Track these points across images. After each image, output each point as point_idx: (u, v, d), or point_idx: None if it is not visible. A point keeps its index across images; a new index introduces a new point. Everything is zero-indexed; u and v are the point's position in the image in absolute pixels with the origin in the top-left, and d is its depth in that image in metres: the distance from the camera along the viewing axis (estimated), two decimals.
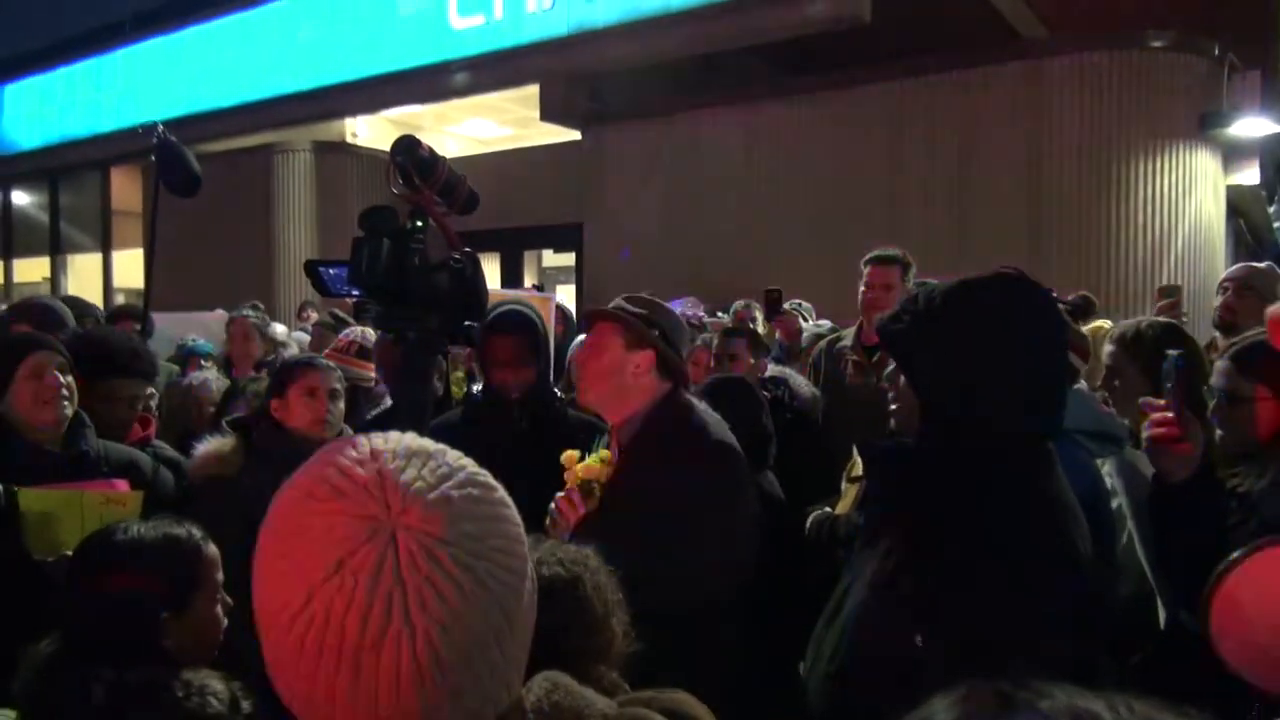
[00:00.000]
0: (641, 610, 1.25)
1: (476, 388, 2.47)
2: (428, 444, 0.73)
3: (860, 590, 1.43)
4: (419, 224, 1.38)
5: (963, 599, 1.26)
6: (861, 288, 3.45)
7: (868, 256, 3.48)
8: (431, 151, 1.42)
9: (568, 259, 10.38)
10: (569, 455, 2.02)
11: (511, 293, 3.80)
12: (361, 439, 0.73)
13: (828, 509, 2.59)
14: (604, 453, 2.03)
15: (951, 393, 1.34)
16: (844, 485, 2.63)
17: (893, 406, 1.50)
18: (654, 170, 8.64)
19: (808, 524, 2.58)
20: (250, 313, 4.74)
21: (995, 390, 1.33)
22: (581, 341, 2.64)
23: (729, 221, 8.16)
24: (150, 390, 2.59)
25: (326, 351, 3.37)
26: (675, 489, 1.81)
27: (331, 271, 1.56)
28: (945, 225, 7.12)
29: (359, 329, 3.56)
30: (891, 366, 1.49)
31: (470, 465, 0.73)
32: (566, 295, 9.37)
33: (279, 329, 5.22)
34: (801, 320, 4.77)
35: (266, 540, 0.69)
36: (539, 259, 11.38)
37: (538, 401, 2.36)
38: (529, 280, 10.22)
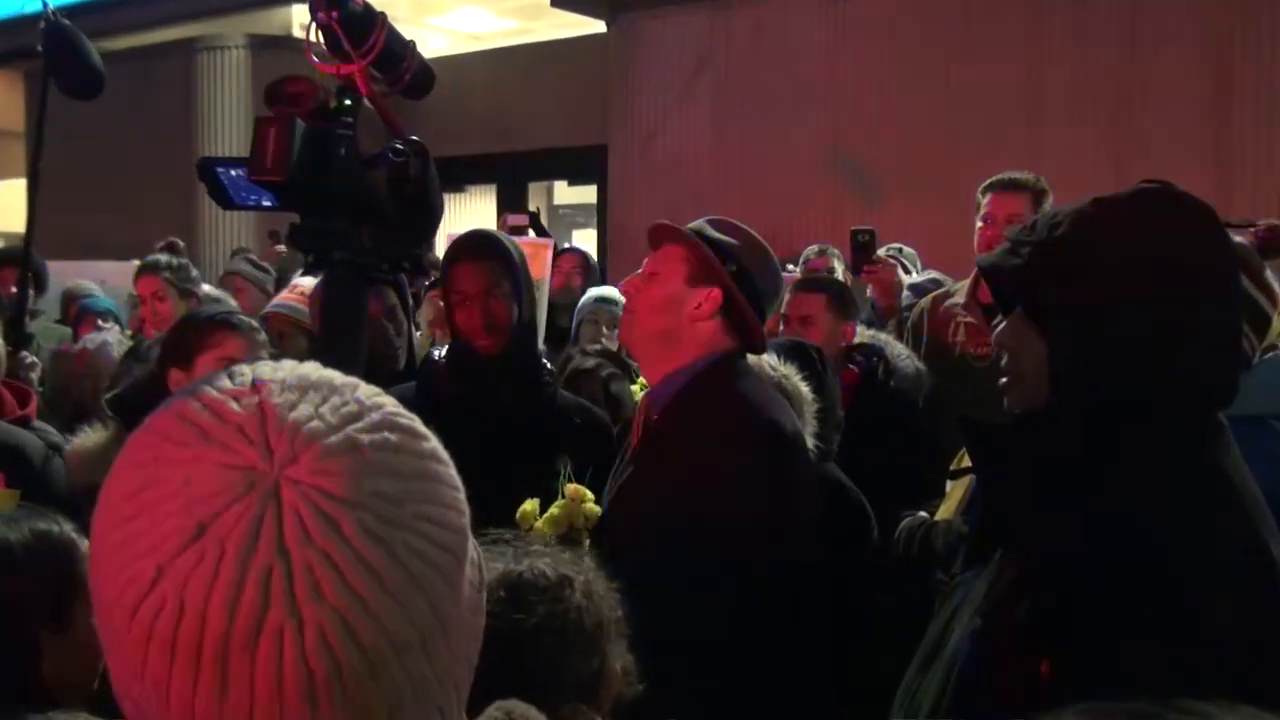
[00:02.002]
0: (654, 644, 1.26)
1: (439, 353, 2.49)
2: (333, 375, 0.73)
3: (967, 621, 1.43)
4: (347, 103, 1.37)
5: (1111, 631, 1.25)
6: (978, 224, 3.44)
7: (987, 182, 3.48)
8: (367, 6, 1.43)
9: (587, 193, 10.40)
10: (525, 510, 2.08)
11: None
12: (242, 366, 0.73)
13: (923, 514, 2.62)
14: (570, 488, 2.12)
15: (1090, 351, 1.34)
16: (949, 485, 2.64)
17: (1004, 379, 1.49)
18: (703, 74, 8.61)
19: (896, 534, 2.61)
20: (166, 259, 4.81)
21: (1150, 346, 1.33)
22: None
23: (804, 143, 8.12)
24: (26, 356, 2.63)
25: (285, 294, 3.45)
26: (700, 487, 1.86)
27: (234, 173, 1.55)
28: (1098, 146, 7.05)
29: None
30: (1002, 322, 1.48)
31: (391, 404, 0.73)
32: (590, 242, 9.39)
33: (209, 289, 5.31)
34: (901, 272, 4.72)
35: (107, 500, 0.69)
36: (549, 193, 11.42)
37: (522, 366, 2.38)
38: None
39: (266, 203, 1.47)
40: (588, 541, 2.05)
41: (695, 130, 8.62)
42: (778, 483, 1.91)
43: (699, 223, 2.14)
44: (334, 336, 1.38)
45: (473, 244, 2.43)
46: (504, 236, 2.54)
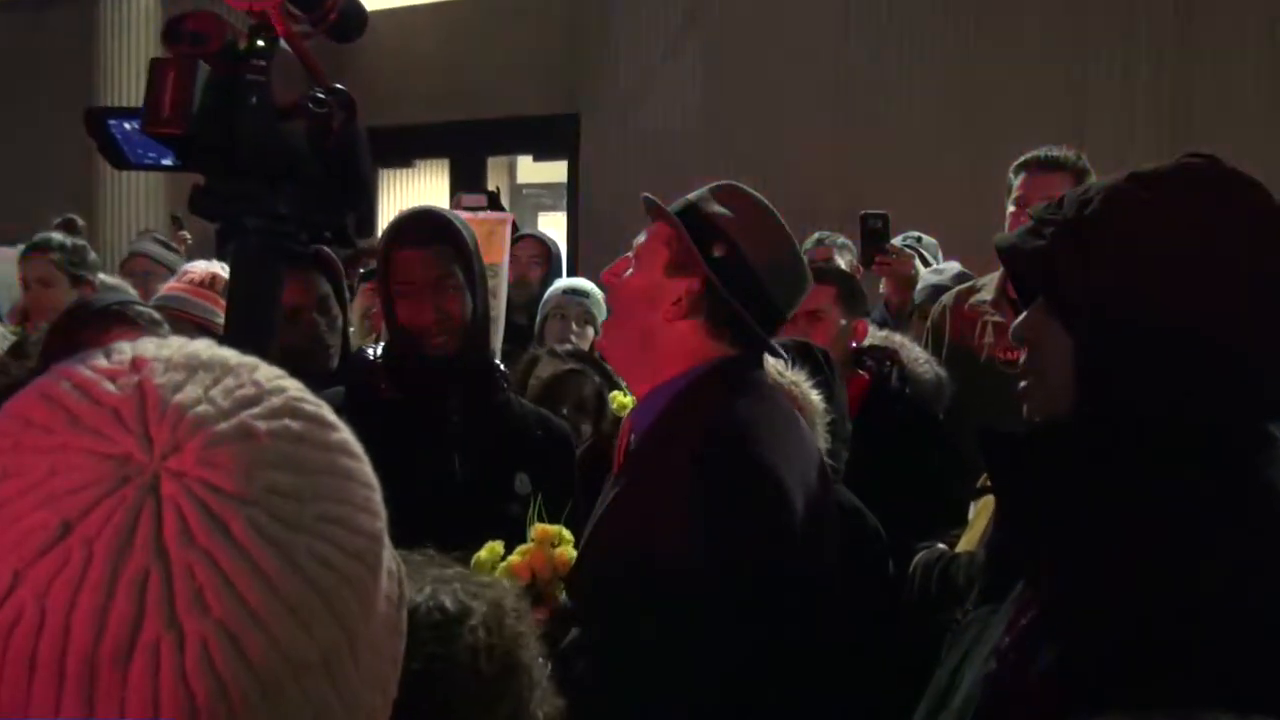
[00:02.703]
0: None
1: (373, 351, 2.48)
2: (227, 354, 0.75)
3: (980, 664, 1.44)
4: (260, 44, 1.38)
5: (1147, 681, 1.23)
6: (1009, 208, 3.48)
7: (1021, 159, 3.52)
8: None
9: (555, 170, 10.41)
10: (479, 560, 1.99)
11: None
12: (121, 343, 0.74)
13: (942, 546, 2.64)
14: (537, 528, 2.04)
15: (1123, 349, 1.35)
16: (971, 511, 2.67)
17: (1024, 383, 1.49)
18: (691, 31, 8.63)
19: (911, 569, 2.62)
20: (59, 238, 4.79)
21: (1194, 345, 1.33)
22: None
23: (809, 112, 8.14)
24: None
25: (172, 284, 3.47)
26: (643, 544, 1.78)
27: (128, 126, 1.54)
28: (1150, 114, 7.09)
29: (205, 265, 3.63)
30: (1025, 314, 1.48)
31: (295, 387, 0.75)
32: (558, 227, 9.40)
33: (106, 278, 5.29)
34: (919, 264, 4.74)
35: None
36: (511, 170, 11.44)
37: (474, 369, 2.41)
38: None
39: (166, 161, 1.46)
40: (562, 595, 1.97)
41: (682, 97, 8.59)
42: (750, 541, 1.79)
43: (701, 191, 2.03)
44: (243, 317, 1.40)
45: (420, 225, 2.41)
46: (455, 216, 2.53)
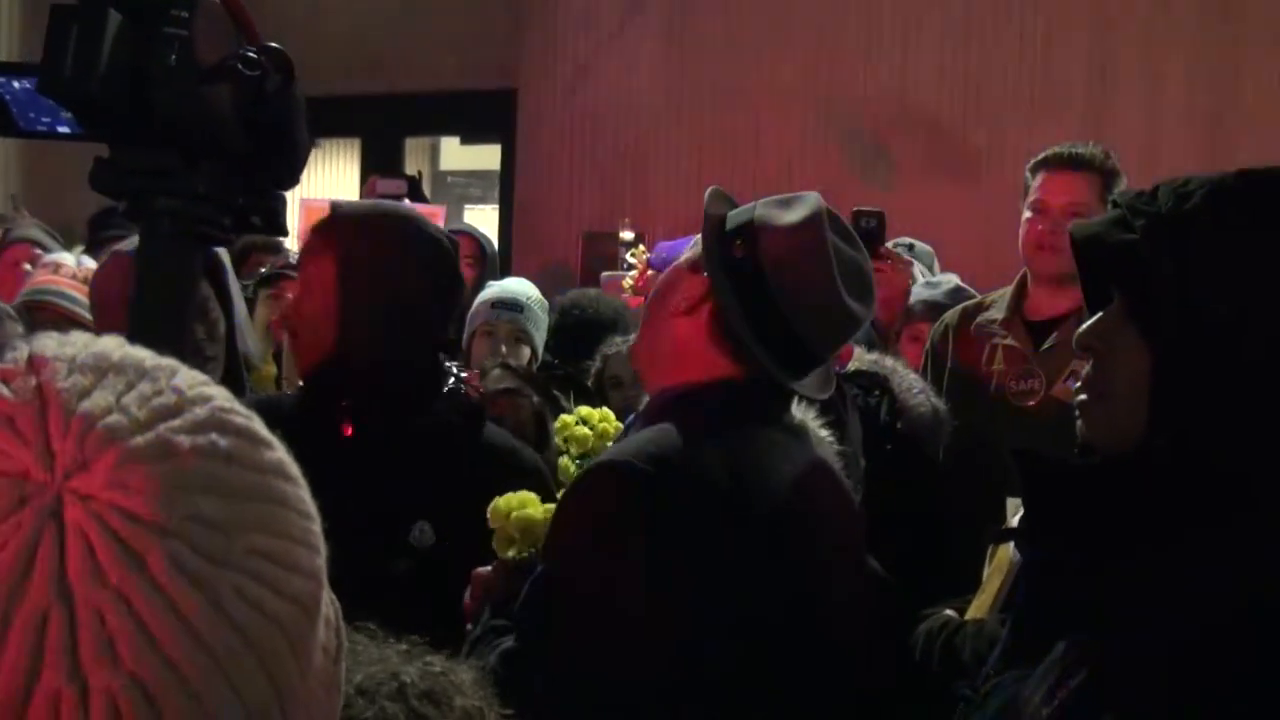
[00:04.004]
0: None
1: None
2: (141, 355, 0.75)
3: None
4: None
5: None
6: (1025, 215, 3.51)
7: (1039, 157, 3.55)
8: None
9: (487, 155, 10.40)
10: (496, 506, 2.12)
11: (367, 203, 3.87)
12: (17, 341, 0.74)
13: (950, 612, 2.63)
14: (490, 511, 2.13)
15: (1215, 370, 1.34)
16: (986, 569, 2.66)
17: (1082, 396, 1.49)
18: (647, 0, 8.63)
19: (913, 637, 2.63)
20: None
21: None
22: None
23: (785, 94, 8.20)
24: None
25: (44, 276, 3.54)
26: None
27: (19, 86, 1.53)
28: (1185, 108, 7.17)
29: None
30: (1096, 319, 1.48)
31: (222, 397, 0.75)
32: (486, 223, 9.37)
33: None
34: (916, 274, 4.77)
35: None
36: (433, 153, 11.41)
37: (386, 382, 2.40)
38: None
39: (64, 128, 1.44)
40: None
41: (636, 74, 8.62)
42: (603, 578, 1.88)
43: (780, 197, 2.10)
44: (150, 316, 1.37)
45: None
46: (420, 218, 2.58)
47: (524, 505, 2.15)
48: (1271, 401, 1.32)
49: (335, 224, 2.46)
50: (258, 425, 0.75)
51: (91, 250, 4.37)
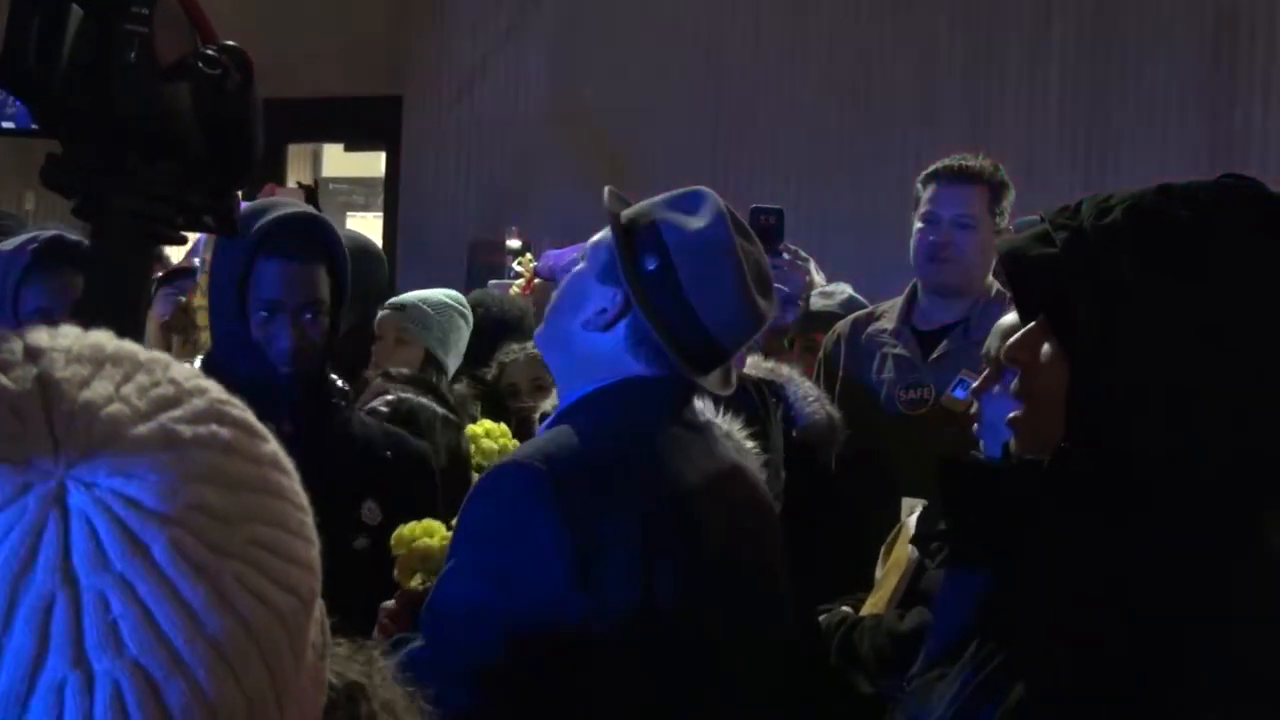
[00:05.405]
0: None
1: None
2: (133, 347, 0.74)
3: None
4: None
5: None
6: (917, 225, 3.54)
7: (930, 169, 3.58)
8: None
9: (370, 163, 10.34)
10: (400, 534, 2.20)
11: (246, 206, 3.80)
12: (5, 330, 0.73)
13: (846, 609, 2.67)
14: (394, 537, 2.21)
15: (1128, 387, 1.37)
16: (879, 569, 2.70)
17: (1014, 413, 1.51)
18: (538, 2, 8.63)
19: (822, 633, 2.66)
20: None
21: (1218, 393, 1.34)
22: None
23: (678, 93, 8.20)
24: None
25: None
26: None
27: None
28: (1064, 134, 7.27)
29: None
30: (1022, 332, 1.51)
31: (216, 390, 0.74)
32: (370, 231, 9.26)
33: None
34: (813, 271, 4.77)
35: None
36: (315, 161, 11.22)
37: (308, 385, 2.42)
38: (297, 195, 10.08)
39: (9, 125, 1.43)
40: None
41: (527, 80, 8.59)
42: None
43: (667, 195, 2.13)
44: (104, 316, 1.30)
45: (293, 234, 2.39)
46: (329, 221, 2.54)
47: (428, 533, 2.22)
48: (1178, 414, 1.34)
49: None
50: (252, 418, 0.75)
51: None
